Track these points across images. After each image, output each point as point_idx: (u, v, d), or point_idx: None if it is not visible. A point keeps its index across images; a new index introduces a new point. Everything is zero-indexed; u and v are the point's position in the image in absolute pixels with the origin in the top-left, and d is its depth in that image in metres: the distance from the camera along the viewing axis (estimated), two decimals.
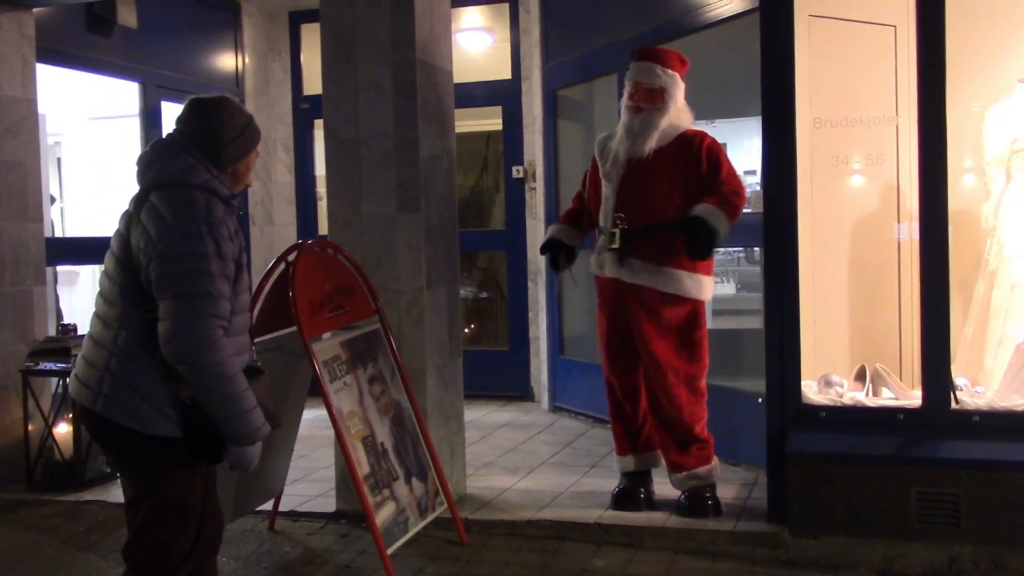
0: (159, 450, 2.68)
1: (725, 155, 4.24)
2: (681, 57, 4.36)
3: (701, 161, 4.18)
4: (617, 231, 4.25)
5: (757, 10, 4.22)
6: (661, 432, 4.34)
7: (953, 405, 3.96)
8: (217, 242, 2.59)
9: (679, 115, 4.29)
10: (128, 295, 2.66)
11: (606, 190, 4.35)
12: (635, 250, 4.22)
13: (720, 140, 4.32)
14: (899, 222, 4.79)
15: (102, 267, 2.80)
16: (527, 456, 5.58)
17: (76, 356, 5.15)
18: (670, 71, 4.27)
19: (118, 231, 2.74)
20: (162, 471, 2.71)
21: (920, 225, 3.97)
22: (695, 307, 4.28)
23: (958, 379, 4.20)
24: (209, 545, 2.86)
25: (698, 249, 4.05)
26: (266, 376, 2.82)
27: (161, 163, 2.69)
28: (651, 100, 4.26)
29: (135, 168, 2.77)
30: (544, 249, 4.70)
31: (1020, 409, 3.99)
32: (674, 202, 4.18)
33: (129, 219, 2.70)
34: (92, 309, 2.80)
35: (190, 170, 2.67)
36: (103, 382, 2.66)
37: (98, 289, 2.80)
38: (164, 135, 2.83)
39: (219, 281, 2.59)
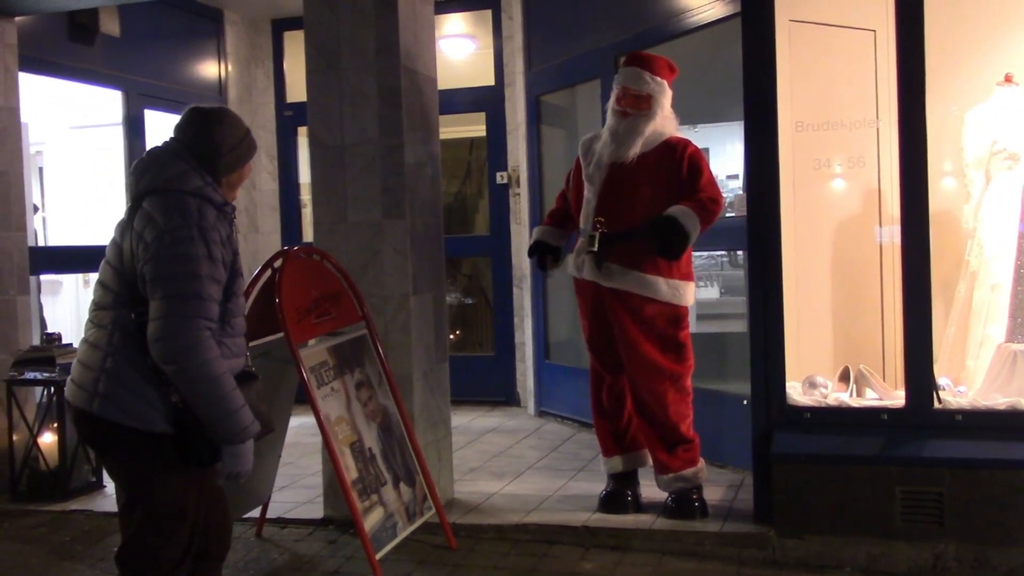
0: (152, 450, 2.69)
1: (707, 164, 4.25)
2: (671, 64, 4.36)
3: (682, 167, 4.19)
4: (597, 234, 4.27)
5: (739, 15, 4.25)
6: (648, 431, 4.36)
7: (936, 405, 4.00)
8: (208, 246, 2.63)
9: (664, 122, 4.30)
10: (122, 300, 2.70)
11: (588, 193, 4.36)
12: (613, 255, 4.24)
13: (703, 145, 4.35)
14: (881, 224, 4.83)
15: (96, 276, 2.83)
16: (514, 461, 5.59)
17: (61, 365, 5.12)
18: (658, 78, 4.28)
19: (113, 240, 2.79)
20: (154, 473, 2.72)
21: (902, 227, 4.01)
22: (677, 308, 4.29)
23: (940, 379, 4.24)
24: (209, 551, 2.87)
25: (668, 249, 4.08)
26: (260, 381, 2.86)
27: (155, 170, 2.74)
28: (637, 106, 4.27)
29: (129, 177, 2.82)
30: (532, 252, 4.72)
31: (1002, 408, 4.03)
32: (654, 208, 4.18)
33: (123, 227, 2.75)
34: (76, 318, 2.83)
35: (183, 176, 2.71)
36: (99, 382, 2.68)
37: (92, 297, 2.83)
38: (160, 143, 2.86)
39: (207, 284, 2.62)
